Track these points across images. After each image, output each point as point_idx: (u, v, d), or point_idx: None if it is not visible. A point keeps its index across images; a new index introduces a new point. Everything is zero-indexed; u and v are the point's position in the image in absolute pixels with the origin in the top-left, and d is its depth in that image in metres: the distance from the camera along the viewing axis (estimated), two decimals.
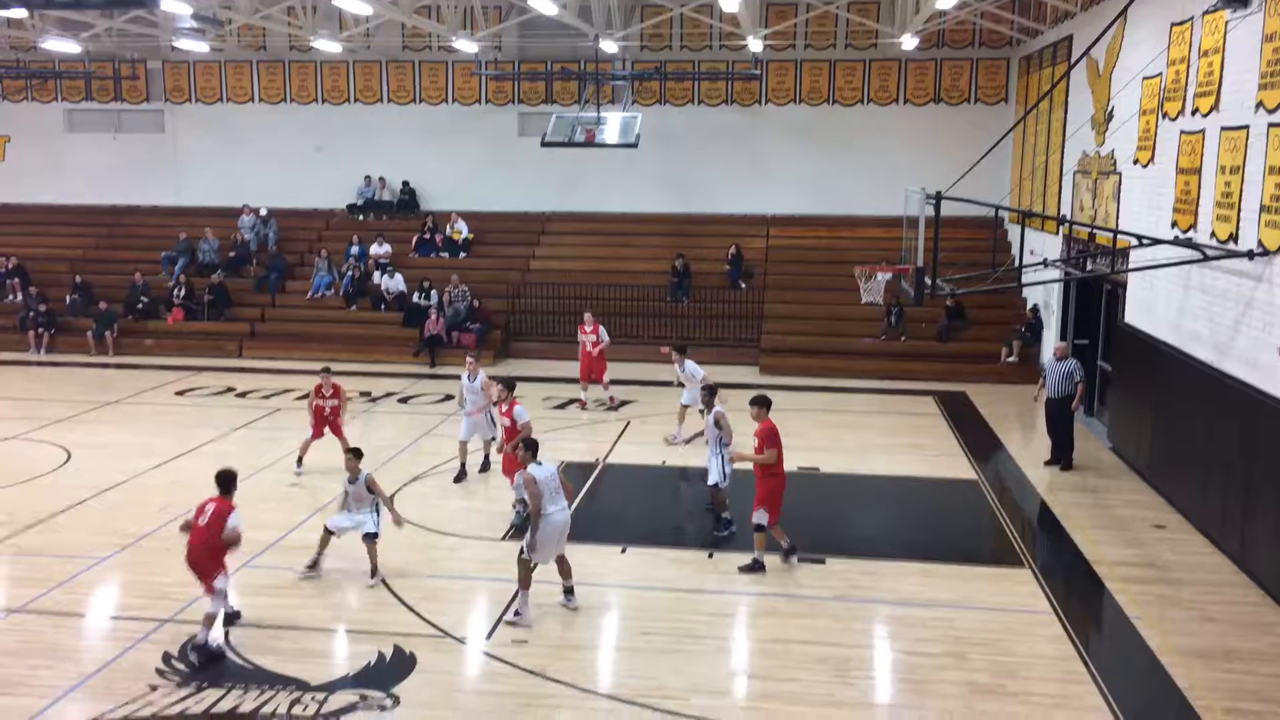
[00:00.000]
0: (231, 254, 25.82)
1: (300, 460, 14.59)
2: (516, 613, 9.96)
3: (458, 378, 20.85)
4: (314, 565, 11.02)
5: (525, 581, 9.97)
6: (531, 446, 10.27)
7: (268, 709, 8.35)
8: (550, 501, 9.89)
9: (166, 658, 9.16)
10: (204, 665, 9.04)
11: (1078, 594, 11.10)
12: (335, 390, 14.72)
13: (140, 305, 24.13)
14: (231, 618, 9.77)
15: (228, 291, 24.58)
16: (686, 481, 14.55)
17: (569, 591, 10.25)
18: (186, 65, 27.73)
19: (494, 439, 14.07)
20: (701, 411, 15.43)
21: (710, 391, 12.74)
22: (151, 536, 12.03)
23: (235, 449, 15.67)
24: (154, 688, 8.66)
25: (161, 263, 25.63)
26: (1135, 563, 11.66)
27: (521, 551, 9.99)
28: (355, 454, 11.14)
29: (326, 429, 14.60)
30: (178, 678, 8.84)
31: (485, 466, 14.59)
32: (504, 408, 13.01)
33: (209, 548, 9.30)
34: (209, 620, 9.30)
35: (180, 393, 19.80)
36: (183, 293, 24.39)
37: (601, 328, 18.85)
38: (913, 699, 8.71)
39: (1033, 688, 8.85)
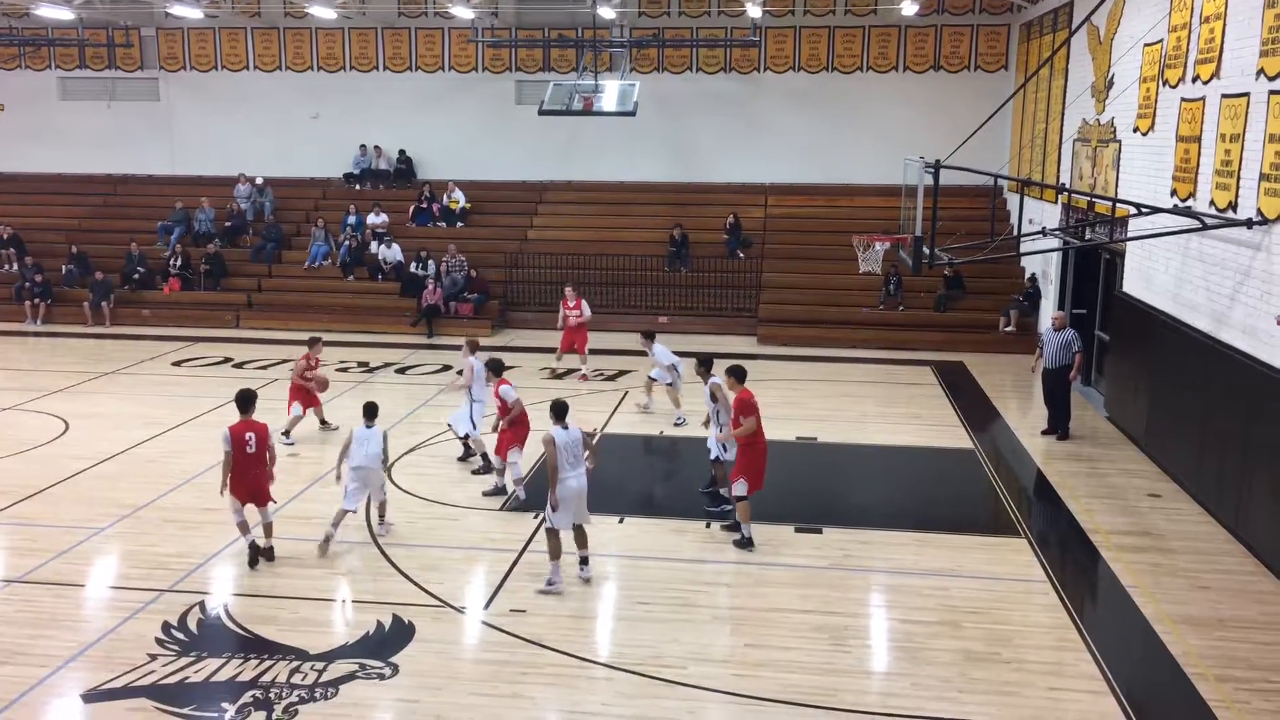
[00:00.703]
0: (228, 223, 25.72)
1: (324, 422, 15.05)
2: (550, 581, 10.00)
3: (456, 348, 20.89)
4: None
5: (555, 551, 10.01)
6: (557, 409, 10.11)
7: (267, 678, 8.40)
8: (569, 466, 9.88)
9: (166, 627, 9.21)
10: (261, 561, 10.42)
11: (1072, 563, 11.16)
12: (317, 363, 14.95)
13: (136, 275, 24.07)
14: (255, 549, 10.51)
15: (224, 261, 24.51)
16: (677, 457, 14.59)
17: (584, 561, 10.25)
18: (181, 32, 27.50)
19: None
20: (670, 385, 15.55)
21: (704, 364, 12.39)
22: (150, 507, 12.06)
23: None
24: (153, 657, 8.71)
25: (157, 232, 25.55)
26: (1130, 531, 11.71)
27: (544, 521, 10.09)
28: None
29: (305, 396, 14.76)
30: (177, 647, 8.89)
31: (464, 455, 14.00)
32: (494, 388, 12.77)
33: (261, 469, 10.47)
34: (269, 529, 10.61)
35: (177, 363, 19.79)
36: (179, 263, 24.32)
37: (584, 302, 18.72)
38: (908, 667, 8.77)
39: (1027, 655, 8.91)
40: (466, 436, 13.67)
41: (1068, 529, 11.90)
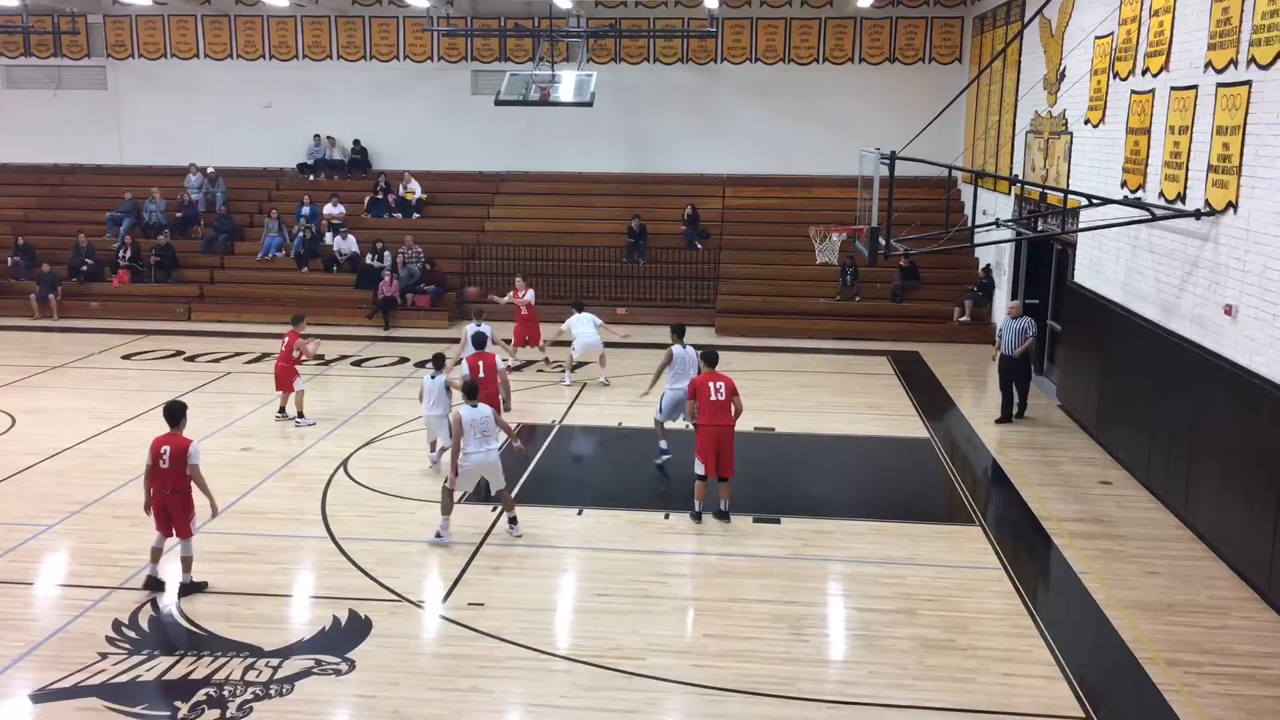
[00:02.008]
0: (178, 214, 25.31)
1: (301, 414, 14.98)
2: (437, 534, 10.83)
3: (412, 340, 20.80)
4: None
5: (446, 507, 10.87)
6: (468, 389, 11.06)
7: (220, 675, 8.29)
8: (475, 442, 10.72)
9: (117, 625, 9.06)
10: (190, 594, 9.56)
11: (1026, 550, 11.31)
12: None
13: (85, 267, 23.61)
14: (155, 583, 9.72)
15: (175, 253, 24.11)
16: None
17: (513, 521, 11.10)
18: (128, 19, 26.97)
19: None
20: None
21: (676, 331, 13.54)
22: (100, 503, 11.85)
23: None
24: (104, 655, 8.57)
25: (106, 224, 25.06)
26: (1082, 518, 11.89)
27: (446, 480, 10.93)
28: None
29: (293, 378, 14.98)
30: (129, 645, 8.75)
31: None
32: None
33: (176, 491, 9.41)
34: (187, 563, 9.63)
35: (127, 356, 19.46)
36: (128, 254, 23.89)
37: (531, 290, 18.68)
38: (865, 655, 8.84)
39: (982, 642, 9.02)
40: None
41: (1021, 516, 12.05)
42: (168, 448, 9.45)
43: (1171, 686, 8.33)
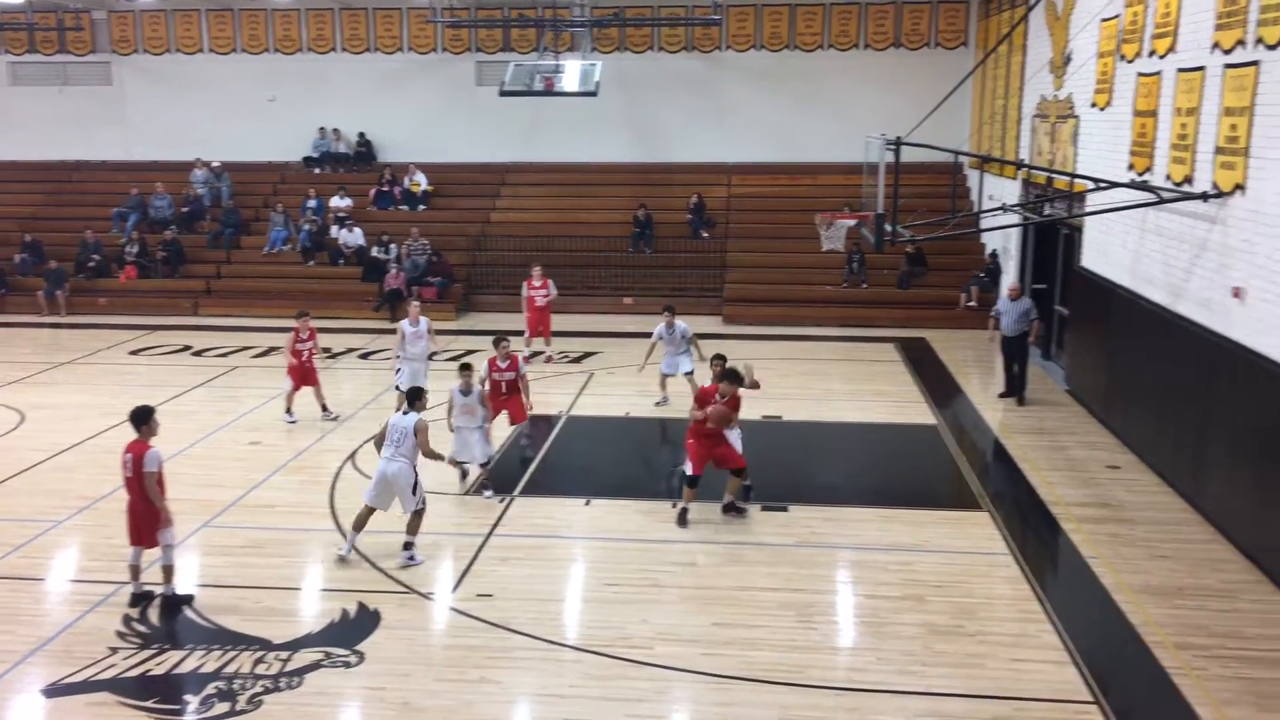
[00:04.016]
0: (185, 209, 25.33)
1: (289, 410, 14.82)
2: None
3: None
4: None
5: (356, 522, 10.46)
6: (410, 395, 10.77)
7: (230, 668, 8.32)
8: (385, 448, 10.25)
9: (127, 620, 9.10)
10: (175, 612, 9.16)
11: (1034, 535, 11.29)
12: (312, 334, 14.93)
13: (92, 263, 23.66)
14: (142, 598, 9.40)
15: (182, 248, 24.15)
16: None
17: (406, 545, 10.34)
18: (133, 15, 26.97)
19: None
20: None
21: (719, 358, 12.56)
22: (109, 499, 11.85)
23: (193, 408, 15.52)
24: (114, 650, 8.61)
25: (113, 219, 25.11)
26: (1090, 503, 11.86)
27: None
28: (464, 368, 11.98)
29: (304, 378, 14.83)
30: (139, 640, 8.79)
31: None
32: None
33: (141, 498, 9.19)
34: (168, 572, 9.32)
35: (135, 352, 19.52)
36: (135, 250, 23.94)
37: (550, 282, 18.67)
38: (873, 641, 8.84)
39: (990, 628, 9.01)
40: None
41: (1029, 501, 12.03)
42: (130, 455, 9.15)
43: (1180, 670, 8.32)
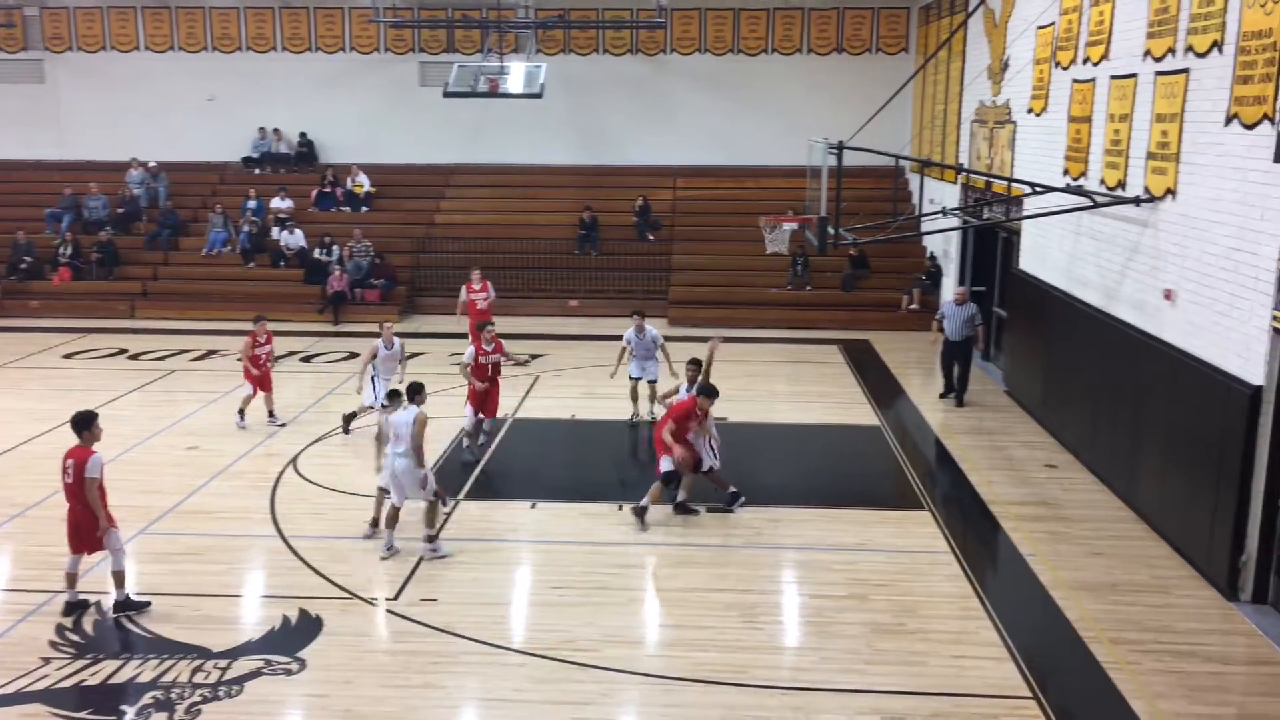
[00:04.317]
0: (120, 210, 24.80)
1: (242, 414, 14.57)
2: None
3: (363, 335, 20.54)
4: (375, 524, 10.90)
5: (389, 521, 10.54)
6: (393, 395, 10.90)
7: (168, 678, 8.16)
8: (390, 445, 10.43)
9: (60, 629, 8.89)
10: (117, 621, 9.00)
11: (974, 533, 11.46)
12: (269, 338, 14.77)
13: (24, 265, 23.06)
14: (77, 606, 9.20)
15: (117, 250, 23.64)
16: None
17: (428, 539, 10.48)
18: (66, 11, 26.34)
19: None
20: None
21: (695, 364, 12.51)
22: (41, 505, 11.60)
23: (129, 413, 15.20)
24: (47, 660, 8.41)
25: (46, 220, 24.50)
26: (1028, 501, 12.08)
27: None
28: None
29: (261, 383, 14.61)
30: (72, 649, 8.59)
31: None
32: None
33: (81, 505, 9.00)
34: (119, 578, 9.10)
35: (69, 355, 19.08)
36: (69, 251, 23.39)
37: (489, 284, 18.59)
38: (818, 640, 8.92)
39: (932, 625, 9.13)
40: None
41: (969, 501, 12.21)
42: (72, 461, 8.96)
43: (1115, 664, 8.50)
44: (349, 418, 14.22)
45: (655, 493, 11.29)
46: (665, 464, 11.26)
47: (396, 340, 14.23)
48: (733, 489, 11.78)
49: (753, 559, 10.52)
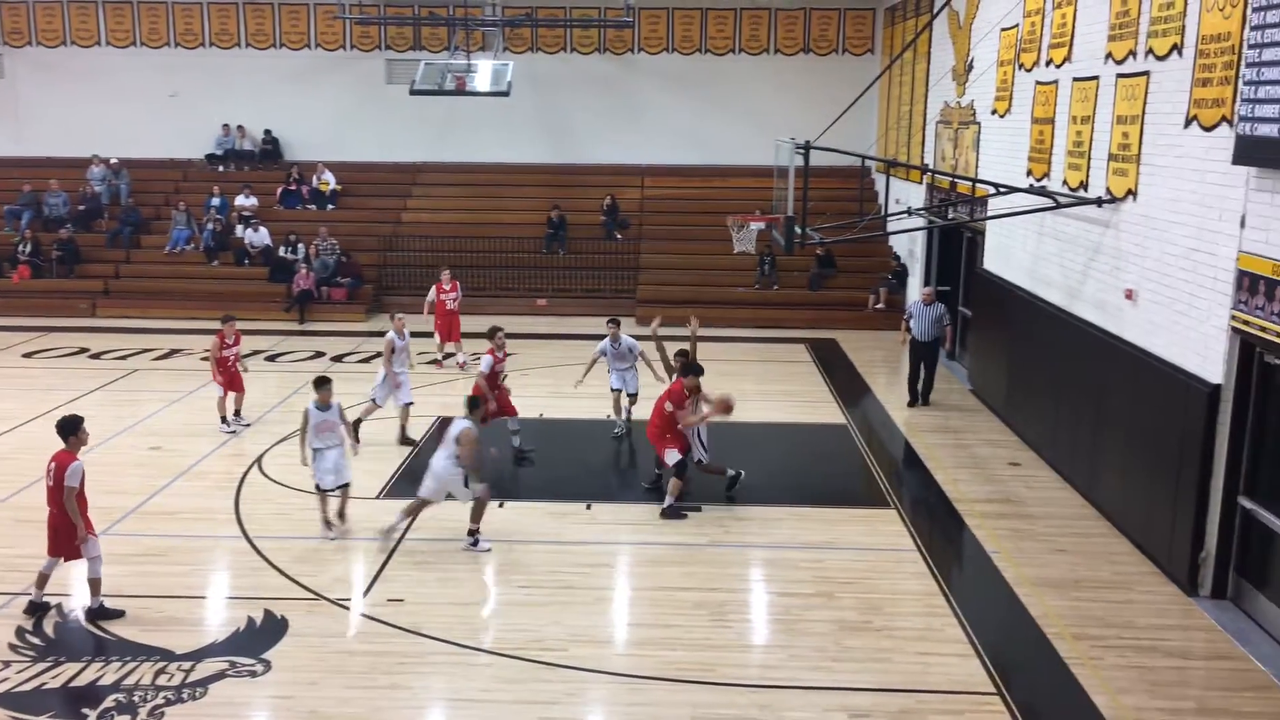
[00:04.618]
0: (81, 207, 24.46)
1: (225, 419, 14.35)
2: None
3: (328, 334, 20.45)
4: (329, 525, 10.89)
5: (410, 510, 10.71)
6: (469, 404, 10.90)
7: (130, 680, 8.07)
8: (440, 447, 10.56)
9: (20, 632, 8.77)
10: (103, 621, 8.92)
11: (940, 531, 11.56)
12: (237, 338, 14.64)
13: None
14: (40, 607, 9.12)
15: (78, 247, 23.32)
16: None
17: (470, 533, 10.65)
18: (25, 5, 25.93)
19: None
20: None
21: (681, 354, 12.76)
22: (2, 505, 11.43)
23: (90, 412, 14.66)
24: (7, 664, 8.28)
25: (4, 217, 24.13)
26: (993, 499, 12.20)
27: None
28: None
29: (231, 383, 14.44)
30: (33, 652, 8.47)
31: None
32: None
33: (62, 510, 8.88)
34: (94, 585, 9.00)
35: (28, 354, 18.79)
36: (28, 249, 23.03)
37: (458, 283, 18.55)
38: (785, 638, 8.96)
39: (898, 622, 9.20)
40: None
41: (935, 499, 12.32)
42: (54, 465, 8.89)
43: (1078, 660, 8.60)
44: (357, 424, 13.88)
45: (675, 487, 11.49)
46: (671, 456, 11.48)
47: (407, 332, 14.15)
48: (731, 472, 12.02)
49: (721, 557, 10.56)
